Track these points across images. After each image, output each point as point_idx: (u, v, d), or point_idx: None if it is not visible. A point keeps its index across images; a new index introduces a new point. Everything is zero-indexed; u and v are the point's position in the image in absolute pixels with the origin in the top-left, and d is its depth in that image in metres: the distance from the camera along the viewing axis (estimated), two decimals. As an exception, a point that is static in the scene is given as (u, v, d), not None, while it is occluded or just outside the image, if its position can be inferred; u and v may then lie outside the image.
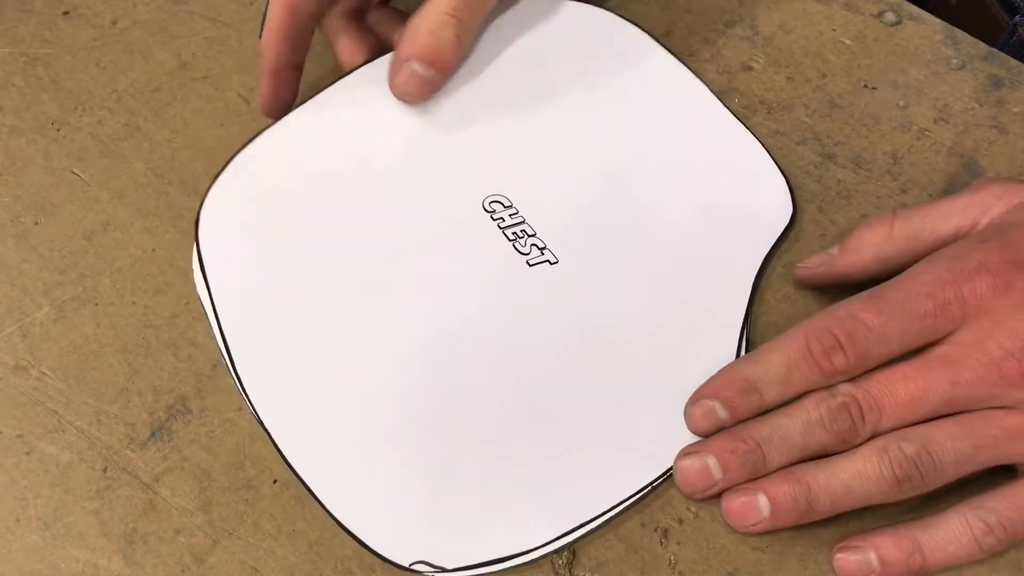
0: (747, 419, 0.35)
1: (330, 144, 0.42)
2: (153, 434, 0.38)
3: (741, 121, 0.43)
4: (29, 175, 0.44)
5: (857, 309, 0.34)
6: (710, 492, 0.35)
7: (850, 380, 0.34)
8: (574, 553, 0.35)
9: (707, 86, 0.44)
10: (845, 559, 0.34)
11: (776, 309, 0.40)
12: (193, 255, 0.41)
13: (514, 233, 0.40)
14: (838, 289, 0.38)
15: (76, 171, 0.44)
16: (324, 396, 0.38)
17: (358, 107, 0.43)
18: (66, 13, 0.49)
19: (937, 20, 0.47)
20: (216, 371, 0.39)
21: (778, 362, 0.35)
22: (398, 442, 0.37)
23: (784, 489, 0.34)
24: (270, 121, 0.43)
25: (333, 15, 0.44)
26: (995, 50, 0.46)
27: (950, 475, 0.33)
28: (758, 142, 0.43)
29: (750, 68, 0.46)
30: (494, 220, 0.41)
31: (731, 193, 0.42)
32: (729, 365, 0.36)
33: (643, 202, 0.41)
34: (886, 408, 0.33)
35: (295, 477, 0.37)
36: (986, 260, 0.33)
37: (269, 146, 0.42)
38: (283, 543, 0.36)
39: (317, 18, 0.43)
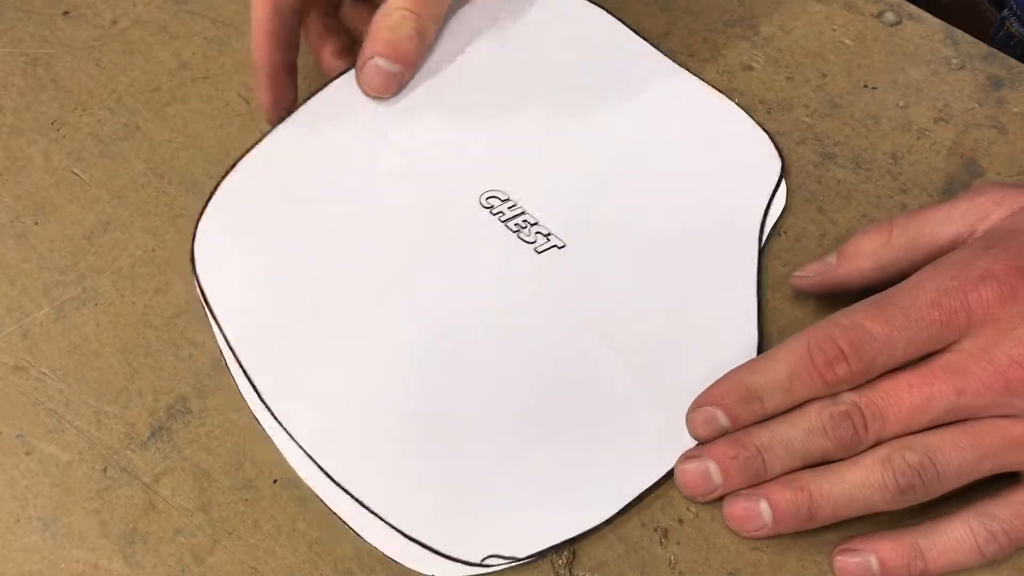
0: (748, 425, 0.35)
1: (319, 154, 0.42)
2: (153, 434, 0.38)
3: (710, 85, 0.44)
4: (29, 175, 0.44)
5: (862, 318, 0.34)
6: (711, 496, 0.35)
7: (853, 388, 0.34)
8: (574, 553, 0.35)
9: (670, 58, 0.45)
10: (845, 561, 0.34)
11: (778, 309, 0.40)
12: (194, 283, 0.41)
13: (516, 224, 0.40)
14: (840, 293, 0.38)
15: (76, 171, 0.44)
16: (337, 399, 0.37)
17: (342, 115, 0.43)
18: (66, 13, 0.49)
19: (937, 20, 0.47)
20: (216, 371, 0.39)
21: (780, 371, 0.34)
22: (410, 440, 0.37)
23: (786, 496, 0.34)
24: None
25: (313, 16, 0.45)
26: (995, 50, 0.46)
27: (953, 484, 0.33)
28: (730, 102, 0.44)
29: (750, 68, 0.46)
30: (494, 214, 0.41)
31: (717, 158, 0.42)
32: (731, 372, 0.36)
33: (636, 186, 0.41)
34: (889, 416, 0.33)
35: (308, 475, 0.37)
36: (991, 267, 0.33)
37: (261, 159, 0.42)
38: (283, 543, 0.36)
39: (301, 14, 0.43)
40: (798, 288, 0.39)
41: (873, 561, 0.33)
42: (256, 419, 0.38)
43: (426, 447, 0.37)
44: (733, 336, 0.38)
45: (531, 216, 0.41)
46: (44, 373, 0.39)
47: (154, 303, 0.41)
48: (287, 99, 0.43)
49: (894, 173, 0.43)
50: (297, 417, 0.37)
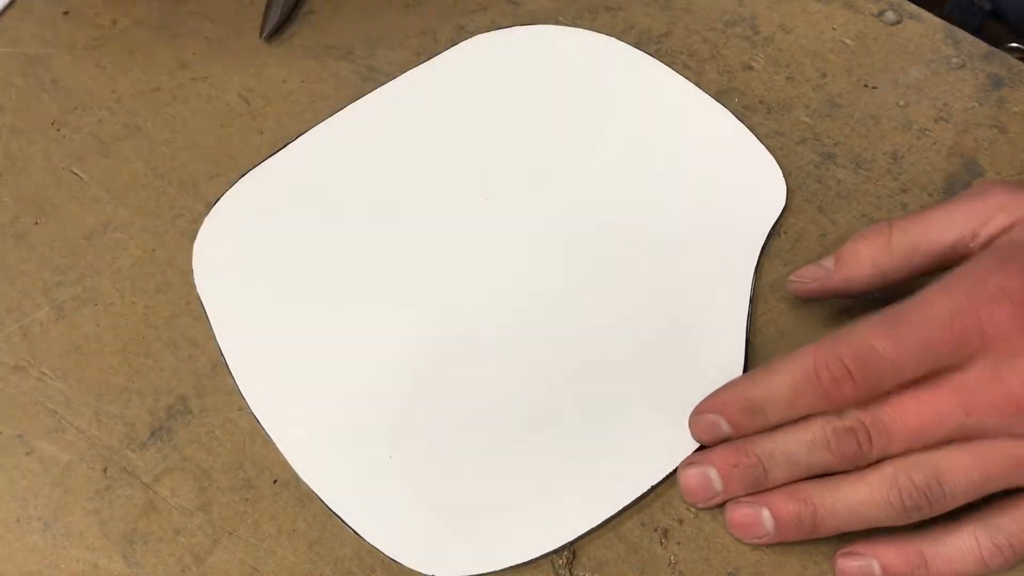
0: (751, 434, 0.35)
1: (320, 172, 0.43)
2: (153, 434, 0.38)
3: (723, 104, 0.44)
4: (29, 175, 0.44)
5: (870, 336, 0.33)
6: (712, 503, 0.35)
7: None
8: (574, 553, 0.35)
9: (688, 80, 0.45)
10: (847, 565, 0.34)
11: (777, 309, 0.40)
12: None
13: (516, 228, 0.41)
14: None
15: (76, 171, 0.44)
16: (327, 405, 0.38)
17: (346, 140, 0.44)
18: (66, 13, 0.49)
19: (937, 19, 0.47)
20: (216, 371, 0.39)
21: (784, 385, 0.34)
22: (403, 445, 0.37)
23: (789, 508, 0.34)
24: (269, 122, 0.43)
25: None
26: (996, 49, 0.46)
27: (959, 503, 0.33)
28: (741, 124, 0.44)
29: (750, 68, 0.46)
30: (494, 219, 0.41)
31: (722, 180, 0.42)
32: (734, 381, 0.36)
33: (636, 202, 0.42)
34: (895, 433, 0.33)
35: (296, 479, 0.37)
36: (1005, 286, 0.32)
37: (261, 177, 0.43)
38: (283, 543, 0.36)
39: None
40: (795, 294, 0.39)
41: (876, 567, 0.33)
42: (257, 420, 0.38)
43: (418, 459, 0.37)
44: (724, 346, 0.38)
45: (532, 220, 0.41)
46: (44, 373, 0.39)
47: (154, 303, 0.41)
48: None
49: (894, 173, 0.43)
50: (287, 431, 0.37)
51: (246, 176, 0.43)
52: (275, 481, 0.37)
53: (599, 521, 0.35)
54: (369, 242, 0.41)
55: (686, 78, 0.45)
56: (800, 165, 0.43)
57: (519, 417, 0.37)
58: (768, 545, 0.35)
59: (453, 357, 0.38)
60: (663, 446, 0.36)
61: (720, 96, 0.44)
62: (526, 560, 0.35)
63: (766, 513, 0.34)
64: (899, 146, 0.43)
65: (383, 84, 0.45)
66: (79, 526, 0.36)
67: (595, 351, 0.38)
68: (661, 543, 0.36)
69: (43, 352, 0.40)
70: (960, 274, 0.34)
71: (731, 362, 0.38)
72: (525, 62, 0.46)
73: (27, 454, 0.38)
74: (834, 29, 0.47)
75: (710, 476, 0.35)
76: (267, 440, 0.38)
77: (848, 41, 0.47)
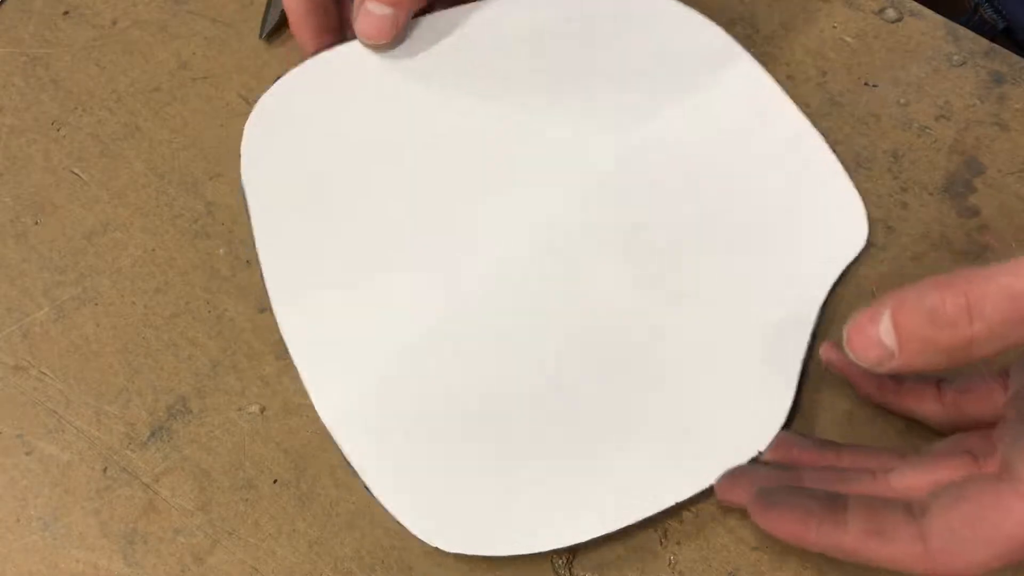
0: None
1: (377, 72, 0.42)
2: (153, 434, 0.38)
3: (823, 136, 0.43)
4: (29, 175, 0.44)
5: None
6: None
7: None
8: (574, 553, 0.35)
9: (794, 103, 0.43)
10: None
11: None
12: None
13: (562, 195, 0.40)
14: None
15: (76, 171, 0.44)
16: (367, 373, 0.38)
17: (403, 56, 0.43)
18: (66, 13, 0.49)
19: (938, 16, 0.47)
20: (216, 371, 0.39)
21: None
22: (432, 410, 0.37)
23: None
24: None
25: None
26: (996, 46, 0.46)
27: None
28: (831, 152, 0.42)
29: (750, 66, 0.46)
30: (542, 180, 0.40)
31: (803, 206, 0.40)
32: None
33: (700, 195, 0.40)
34: None
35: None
36: None
37: (322, 64, 0.42)
38: (283, 543, 0.36)
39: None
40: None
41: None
42: (260, 413, 0.38)
43: (444, 430, 0.36)
44: (774, 380, 0.37)
45: (589, 184, 0.40)
46: (44, 373, 0.40)
47: (154, 303, 0.41)
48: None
49: (895, 171, 0.43)
50: (324, 391, 0.37)
51: (315, 58, 0.42)
52: (275, 481, 0.37)
53: (610, 530, 0.35)
54: (417, 173, 0.40)
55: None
56: (800, 163, 0.43)
57: (547, 406, 0.37)
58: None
59: (486, 333, 0.38)
60: (685, 470, 0.35)
61: (720, 94, 0.44)
62: (530, 552, 0.35)
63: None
64: (900, 144, 0.43)
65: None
66: (79, 526, 0.36)
67: (634, 349, 0.37)
68: (661, 543, 0.35)
69: (43, 352, 0.40)
70: None
71: (778, 403, 0.36)
72: (603, 18, 0.44)
73: (27, 454, 0.38)
74: (834, 27, 0.47)
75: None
76: (267, 440, 0.38)
77: (848, 39, 0.46)
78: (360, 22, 0.41)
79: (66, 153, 0.45)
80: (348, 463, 0.36)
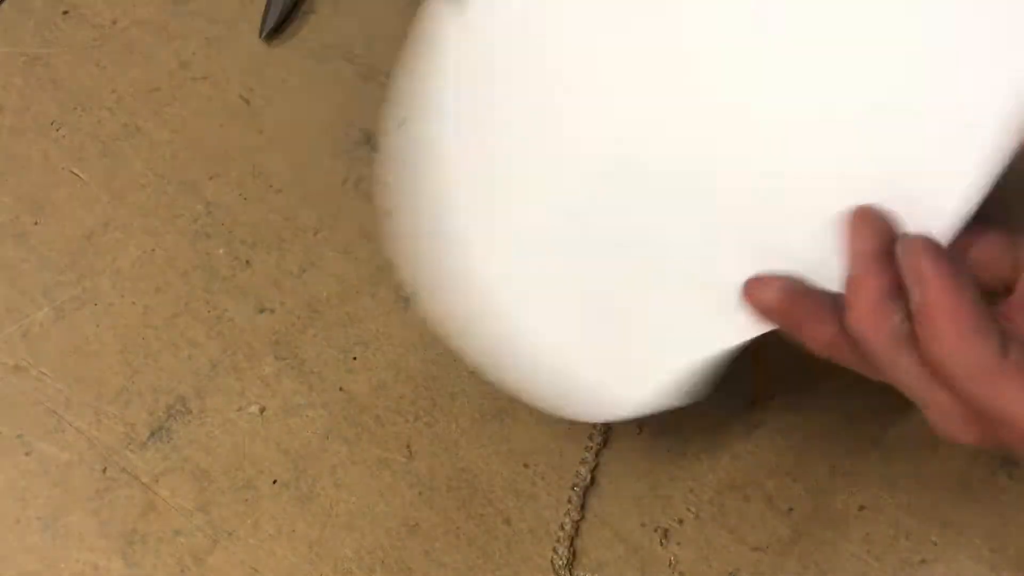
0: None
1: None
2: (153, 434, 0.38)
3: None
4: (29, 175, 0.44)
5: None
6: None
7: None
8: (574, 553, 0.35)
9: None
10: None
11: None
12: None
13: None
14: None
15: (76, 171, 0.44)
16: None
17: None
18: (66, 13, 0.49)
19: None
20: (216, 371, 0.39)
21: None
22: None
23: None
24: (269, 122, 0.43)
25: None
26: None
27: None
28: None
29: (750, 67, 0.46)
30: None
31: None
32: None
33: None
34: None
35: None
36: None
37: None
38: (283, 543, 0.36)
39: None
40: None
41: None
42: (260, 414, 0.38)
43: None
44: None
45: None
46: (44, 373, 0.40)
47: (154, 303, 0.41)
48: None
49: (895, 172, 0.43)
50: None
51: None
52: (275, 481, 0.37)
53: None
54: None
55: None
56: (800, 164, 0.43)
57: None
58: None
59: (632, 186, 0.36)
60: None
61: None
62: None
63: None
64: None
65: (383, 84, 0.44)
66: (79, 526, 0.36)
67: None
68: (661, 543, 0.36)
69: (43, 352, 0.40)
70: None
71: None
72: None
73: (27, 454, 0.38)
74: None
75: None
76: (266, 440, 0.38)
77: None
78: None
79: (66, 153, 0.45)
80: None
